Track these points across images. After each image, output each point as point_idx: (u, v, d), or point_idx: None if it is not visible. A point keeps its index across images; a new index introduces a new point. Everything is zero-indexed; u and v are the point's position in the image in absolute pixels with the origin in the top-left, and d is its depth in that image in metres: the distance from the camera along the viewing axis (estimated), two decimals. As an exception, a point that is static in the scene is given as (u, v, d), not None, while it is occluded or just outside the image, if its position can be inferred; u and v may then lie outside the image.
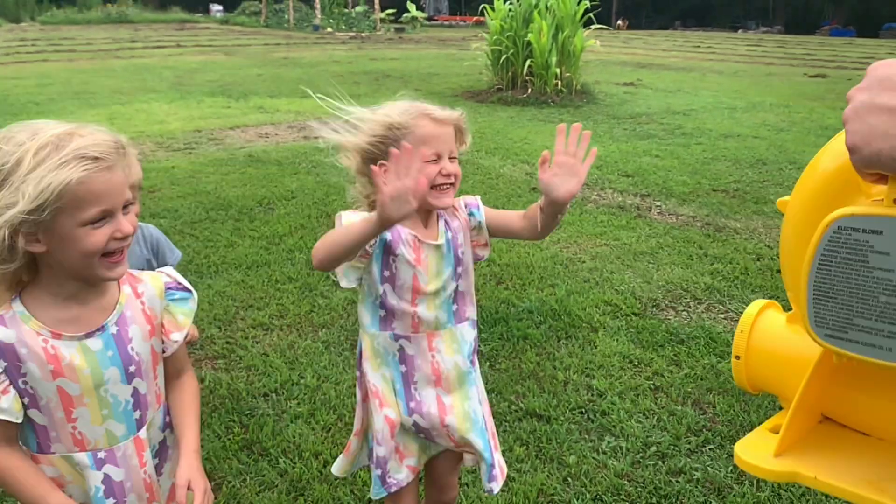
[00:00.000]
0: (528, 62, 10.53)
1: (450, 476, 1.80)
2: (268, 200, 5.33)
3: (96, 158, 1.12)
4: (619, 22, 35.02)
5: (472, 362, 1.70)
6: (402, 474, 1.63)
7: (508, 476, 2.34)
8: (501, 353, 3.15)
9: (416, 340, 1.59)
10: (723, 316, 3.55)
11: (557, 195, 1.42)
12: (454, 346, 1.63)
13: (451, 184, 1.56)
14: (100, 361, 1.22)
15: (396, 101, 1.59)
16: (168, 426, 1.38)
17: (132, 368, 1.26)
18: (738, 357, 1.13)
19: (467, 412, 1.64)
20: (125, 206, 1.18)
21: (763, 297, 3.68)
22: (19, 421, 1.19)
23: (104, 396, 1.24)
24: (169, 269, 1.39)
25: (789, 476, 0.98)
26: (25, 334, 1.17)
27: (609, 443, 2.53)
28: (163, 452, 1.38)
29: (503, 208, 5.68)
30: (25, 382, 1.18)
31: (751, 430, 2.80)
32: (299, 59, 17.10)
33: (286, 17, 27.27)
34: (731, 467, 2.38)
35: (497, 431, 2.56)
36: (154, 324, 1.31)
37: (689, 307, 3.66)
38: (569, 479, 2.34)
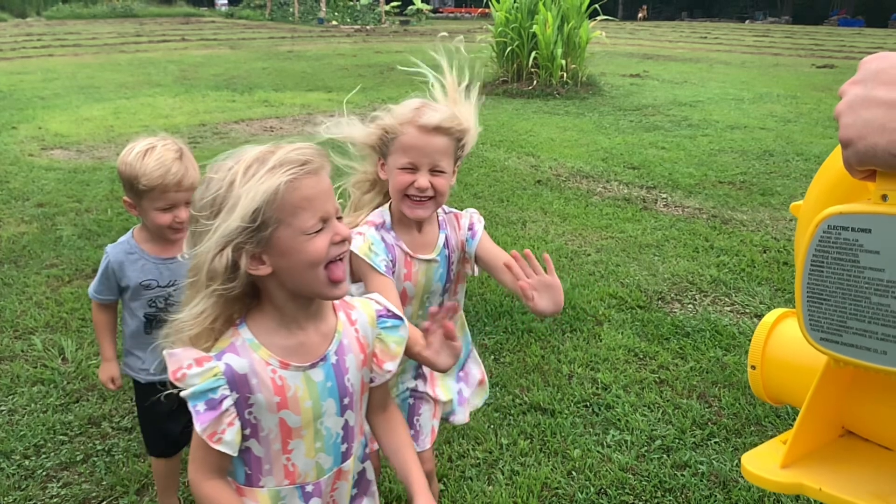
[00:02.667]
0: (533, 54, 10.49)
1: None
2: (272, 194, 5.33)
3: (302, 163, 1.10)
4: (641, 14, 34.94)
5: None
6: None
7: (512, 470, 2.33)
8: (506, 347, 3.14)
9: None
10: (728, 309, 3.53)
11: (550, 313, 1.41)
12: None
13: (429, 197, 1.52)
14: (320, 393, 1.18)
15: (407, 101, 1.57)
16: (367, 458, 1.34)
17: (346, 400, 1.22)
18: (753, 367, 1.09)
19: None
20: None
21: (770, 290, 3.68)
22: (236, 454, 1.15)
23: (319, 429, 1.20)
24: (377, 296, 1.33)
25: (794, 488, 0.95)
26: (256, 363, 1.13)
27: (614, 436, 2.52)
28: (362, 484, 1.33)
29: (508, 200, 5.68)
30: (251, 413, 1.14)
31: (756, 424, 2.78)
32: (304, 52, 17.08)
33: (291, 10, 27.23)
34: (736, 461, 2.37)
35: (501, 425, 2.57)
36: (367, 353, 1.26)
37: (695, 300, 3.64)
38: (573, 472, 2.33)
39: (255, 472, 1.19)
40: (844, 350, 0.85)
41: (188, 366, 1.10)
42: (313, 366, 1.17)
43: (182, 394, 1.10)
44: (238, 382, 1.12)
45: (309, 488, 1.21)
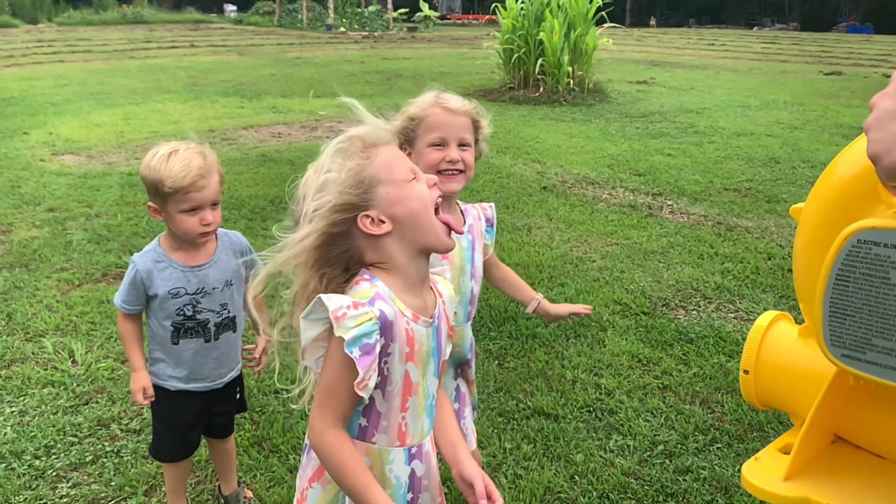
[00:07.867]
0: (540, 61, 10.52)
1: None
2: (280, 200, 5.37)
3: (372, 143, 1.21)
4: (652, 22, 35.15)
5: (472, 357, 1.82)
6: None
7: (515, 474, 2.36)
8: (510, 352, 3.16)
9: None
10: (732, 315, 3.54)
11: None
12: (457, 341, 1.71)
13: (459, 170, 1.61)
14: (430, 351, 1.23)
15: (423, 94, 1.67)
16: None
17: (441, 365, 1.27)
18: (746, 372, 1.08)
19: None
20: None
21: (774, 297, 3.69)
22: (366, 402, 1.17)
23: (426, 387, 1.24)
24: (449, 277, 1.38)
25: (800, 502, 0.94)
26: (396, 312, 1.17)
27: (616, 441, 2.53)
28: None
29: (514, 206, 5.68)
30: (386, 362, 1.17)
31: (759, 430, 2.78)
32: (312, 58, 17.17)
33: (299, 16, 27.37)
34: (737, 466, 2.38)
35: (505, 429, 2.59)
36: (450, 325, 1.31)
37: (699, 306, 3.65)
38: (576, 476, 2.35)
39: (370, 427, 1.21)
40: (868, 368, 0.83)
41: (347, 307, 1.12)
42: (430, 324, 1.23)
43: (346, 337, 1.11)
44: (387, 329, 1.15)
45: (414, 450, 1.24)
